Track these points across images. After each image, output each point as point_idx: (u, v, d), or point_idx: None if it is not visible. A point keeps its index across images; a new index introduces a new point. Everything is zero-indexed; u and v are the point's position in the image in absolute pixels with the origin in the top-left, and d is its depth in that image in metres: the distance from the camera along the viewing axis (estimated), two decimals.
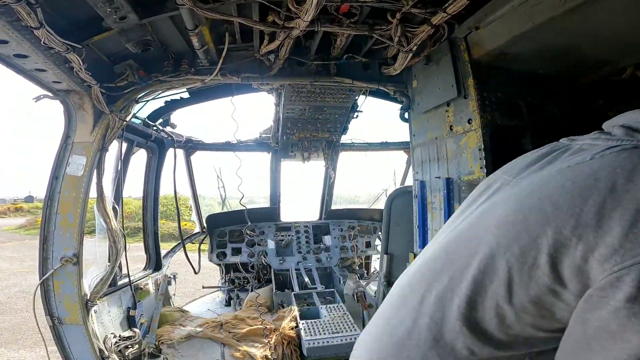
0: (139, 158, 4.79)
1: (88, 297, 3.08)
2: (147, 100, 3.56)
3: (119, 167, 3.85)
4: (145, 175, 4.85)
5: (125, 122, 3.17)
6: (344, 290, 5.37)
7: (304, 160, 5.91)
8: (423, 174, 3.37)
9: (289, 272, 5.66)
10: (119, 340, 3.52)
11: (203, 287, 6.12)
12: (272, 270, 5.70)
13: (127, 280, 4.00)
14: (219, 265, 6.47)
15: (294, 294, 4.91)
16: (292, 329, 4.05)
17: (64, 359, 3.11)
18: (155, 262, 4.94)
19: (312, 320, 4.12)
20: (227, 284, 6.44)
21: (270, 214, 6.28)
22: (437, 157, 3.17)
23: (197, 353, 3.77)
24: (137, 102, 3.28)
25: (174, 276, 5.15)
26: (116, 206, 3.57)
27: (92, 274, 3.34)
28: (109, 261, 3.26)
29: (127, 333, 3.73)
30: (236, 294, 6.18)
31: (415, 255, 3.30)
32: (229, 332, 4.04)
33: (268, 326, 4.22)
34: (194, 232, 6.26)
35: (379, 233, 6.69)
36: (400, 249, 4.15)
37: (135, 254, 3.96)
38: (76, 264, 2.92)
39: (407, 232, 4.08)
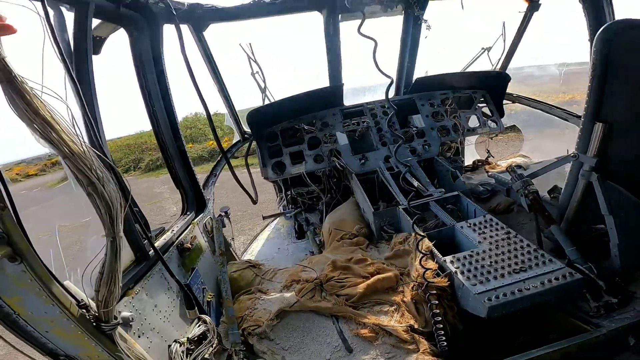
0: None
1: (95, 314, 1.49)
2: None
3: (72, 47, 1.97)
4: (138, 73, 2.87)
5: None
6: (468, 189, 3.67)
7: (384, 10, 3.63)
8: None
9: (378, 175, 3.95)
10: (189, 346, 2.09)
11: (264, 218, 4.65)
12: (352, 177, 4.00)
13: (165, 239, 2.46)
14: (275, 182, 4.88)
15: (402, 209, 3.26)
16: (435, 272, 2.48)
17: None
18: (195, 200, 3.32)
19: (466, 254, 2.51)
20: (289, 206, 4.93)
21: (331, 98, 4.29)
22: None
23: (305, 339, 2.35)
24: None
25: (226, 212, 3.59)
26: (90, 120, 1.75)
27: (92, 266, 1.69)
28: (105, 228, 1.43)
29: (198, 329, 2.27)
30: (304, 219, 4.70)
31: None
32: (338, 296, 2.55)
33: (392, 272, 2.69)
34: (234, 143, 4.47)
35: (481, 107, 4.67)
36: (627, 112, 2.19)
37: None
38: (17, 259, 1.22)
39: None
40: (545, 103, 4.34)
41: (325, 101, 4.28)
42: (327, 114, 4.31)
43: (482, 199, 3.89)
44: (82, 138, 1.28)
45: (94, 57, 2.25)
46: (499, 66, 4.67)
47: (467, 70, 4.95)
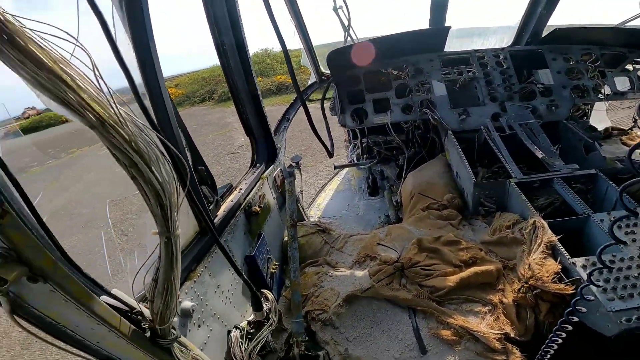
0: None
1: (151, 325, 1.19)
2: None
3: None
4: (206, 4, 2.35)
5: None
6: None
7: None
8: None
9: (480, 135, 3.23)
10: (249, 329, 1.84)
11: (335, 167, 4.24)
12: (447, 133, 3.32)
13: (232, 202, 2.14)
14: (351, 131, 4.41)
15: (514, 183, 2.57)
16: (557, 276, 1.88)
17: None
18: (267, 148, 2.93)
19: (607, 259, 1.86)
20: (363, 157, 4.45)
21: (431, 42, 3.51)
22: None
23: (373, 331, 2.02)
24: None
25: (298, 163, 3.19)
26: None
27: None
28: (157, 225, 1.04)
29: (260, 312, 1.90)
30: (379, 171, 4.21)
31: None
32: (421, 286, 2.12)
33: (493, 264, 2.16)
34: (309, 84, 3.98)
35: (637, 68, 3.47)
36: None
37: None
38: (39, 279, 0.85)
39: None
40: None
41: (422, 45, 3.52)
42: (421, 59, 3.58)
43: (618, 179, 2.99)
44: (113, 99, 0.84)
45: None
46: None
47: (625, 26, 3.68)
